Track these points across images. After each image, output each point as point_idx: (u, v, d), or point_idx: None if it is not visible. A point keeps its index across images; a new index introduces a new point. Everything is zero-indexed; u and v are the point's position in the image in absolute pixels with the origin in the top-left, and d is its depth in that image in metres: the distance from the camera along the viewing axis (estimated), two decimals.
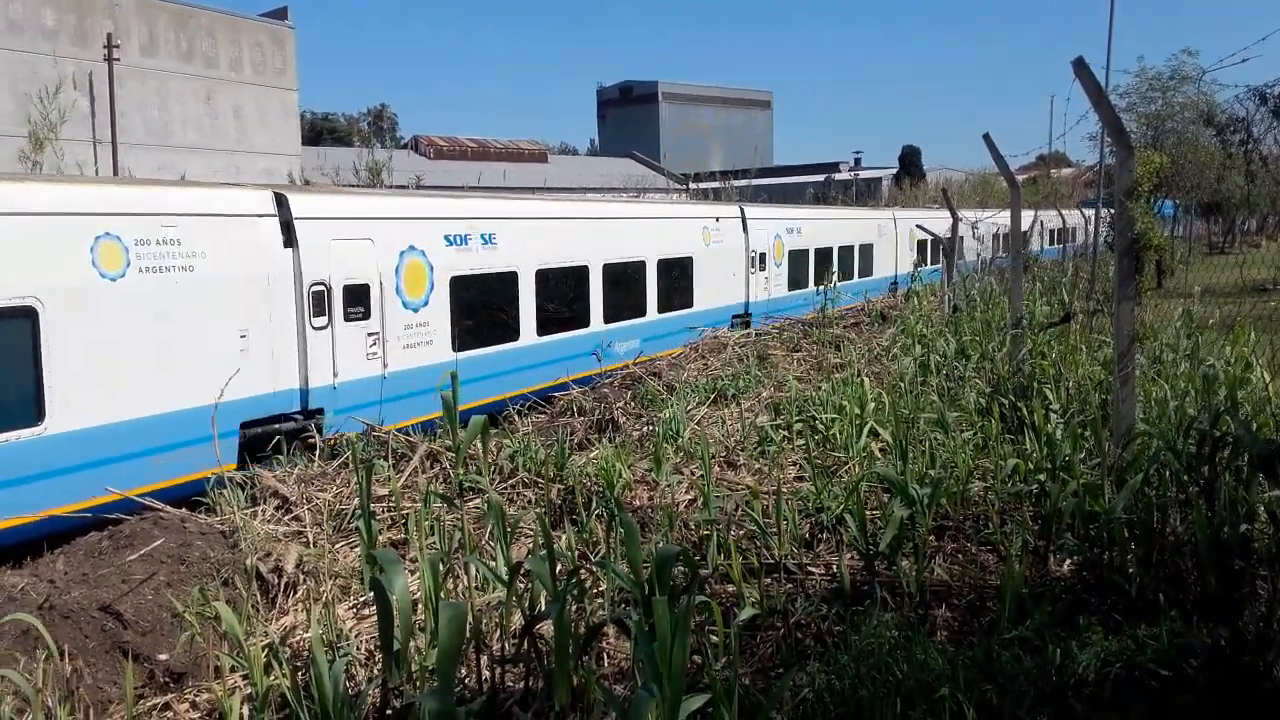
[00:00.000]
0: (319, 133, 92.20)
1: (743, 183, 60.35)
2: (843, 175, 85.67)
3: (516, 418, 11.74)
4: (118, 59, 39.07)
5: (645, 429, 10.74)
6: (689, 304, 19.54)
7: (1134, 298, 7.19)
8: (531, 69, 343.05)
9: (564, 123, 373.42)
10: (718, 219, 20.74)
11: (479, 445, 7.13)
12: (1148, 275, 21.37)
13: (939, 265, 28.40)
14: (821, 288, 21.71)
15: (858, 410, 9.69)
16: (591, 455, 9.28)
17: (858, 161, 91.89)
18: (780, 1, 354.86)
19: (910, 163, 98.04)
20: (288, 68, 48.36)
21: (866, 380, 10.85)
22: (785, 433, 9.98)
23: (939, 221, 33.84)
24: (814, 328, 18.68)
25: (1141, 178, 20.04)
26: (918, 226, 32.30)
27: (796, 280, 24.84)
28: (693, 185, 73.70)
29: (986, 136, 12.24)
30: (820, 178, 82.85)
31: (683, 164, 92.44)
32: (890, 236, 32.38)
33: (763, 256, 22.73)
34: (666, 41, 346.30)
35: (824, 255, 26.68)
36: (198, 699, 5.62)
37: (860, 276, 29.60)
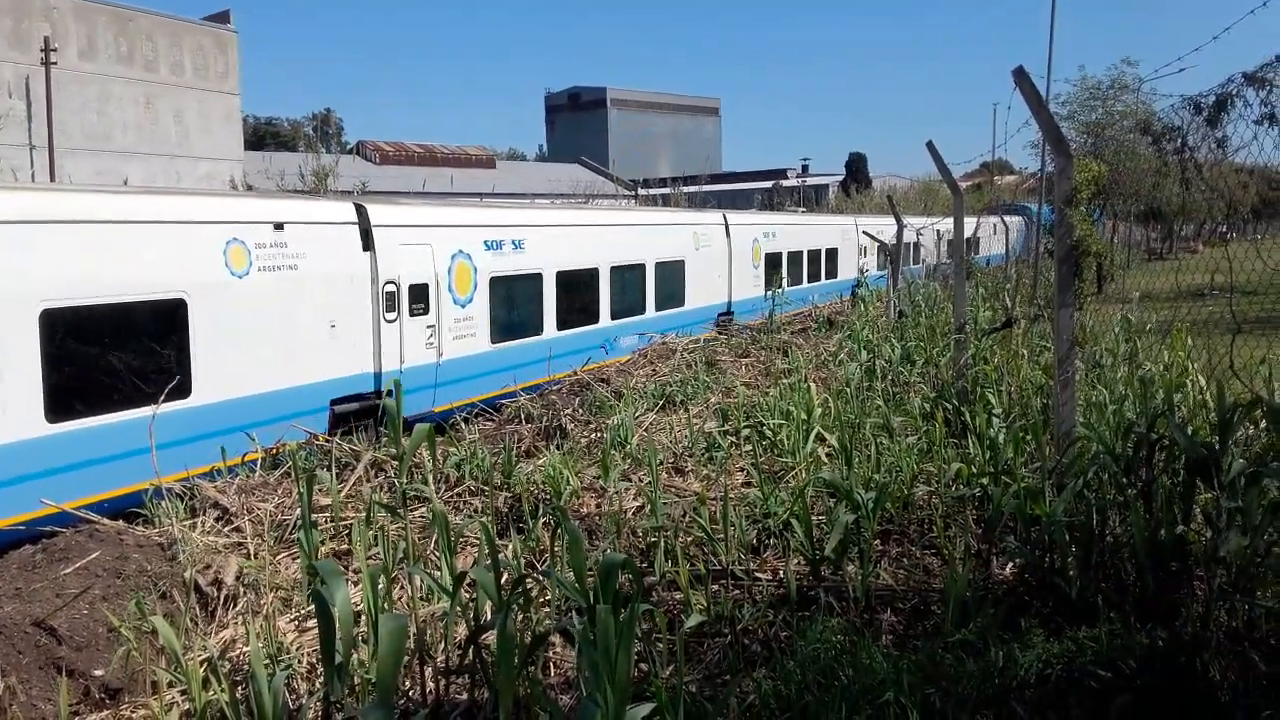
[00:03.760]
0: (262, 137, 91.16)
1: (693, 189, 60.63)
2: (790, 181, 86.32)
3: (463, 425, 11.66)
4: (55, 63, 38.31)
5: (593, 436, 10.71)
6: (180, 390, 10.32)
7: (1074, 303, 7.29)
8: (479, 75, 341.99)
9: (512, 129, 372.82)
10: (279, 226, 11.65)
11: (425, 454, 7.07)
12: (1088, 281, 21.76)
13: (816, 282, 24.81)
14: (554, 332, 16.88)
15: (804, 416, 9.74)
16: (539, 463, 9.24)
17: (805, 168, 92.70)
18: (728, 10, 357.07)
19: (857, 169, 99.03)
20: (230, 72, 47.75)
21: (813, 386, 10.92)
22: (733, 438, 10.01)
23: (827, 229, 30.66)
24: (762, 334, 18.77)
25: (1081, 185, 20.42)
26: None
27: (518, 323, 15.92)
28: (641, 191, 73.89)
29: (930, 144, 12.36)
30: (768, 184, 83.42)
31: (632, 170, 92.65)
32: (718, 249, 23.13)
33: (422, 290, 13.63)
34: (615, 48, 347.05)
35: (579, 282, 17.49)
36: (134, 715, 5.51)
37: (662, 309, 20.36)
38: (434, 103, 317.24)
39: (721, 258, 23.23)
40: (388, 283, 13.05)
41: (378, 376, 12.94)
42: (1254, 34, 7.28)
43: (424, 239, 13.85)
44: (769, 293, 21.11)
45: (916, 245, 35.08)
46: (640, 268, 19.64)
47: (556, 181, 67.72)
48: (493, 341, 15.06)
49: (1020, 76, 7.06)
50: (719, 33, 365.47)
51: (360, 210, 12.99)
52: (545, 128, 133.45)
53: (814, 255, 29.07)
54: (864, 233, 30.55)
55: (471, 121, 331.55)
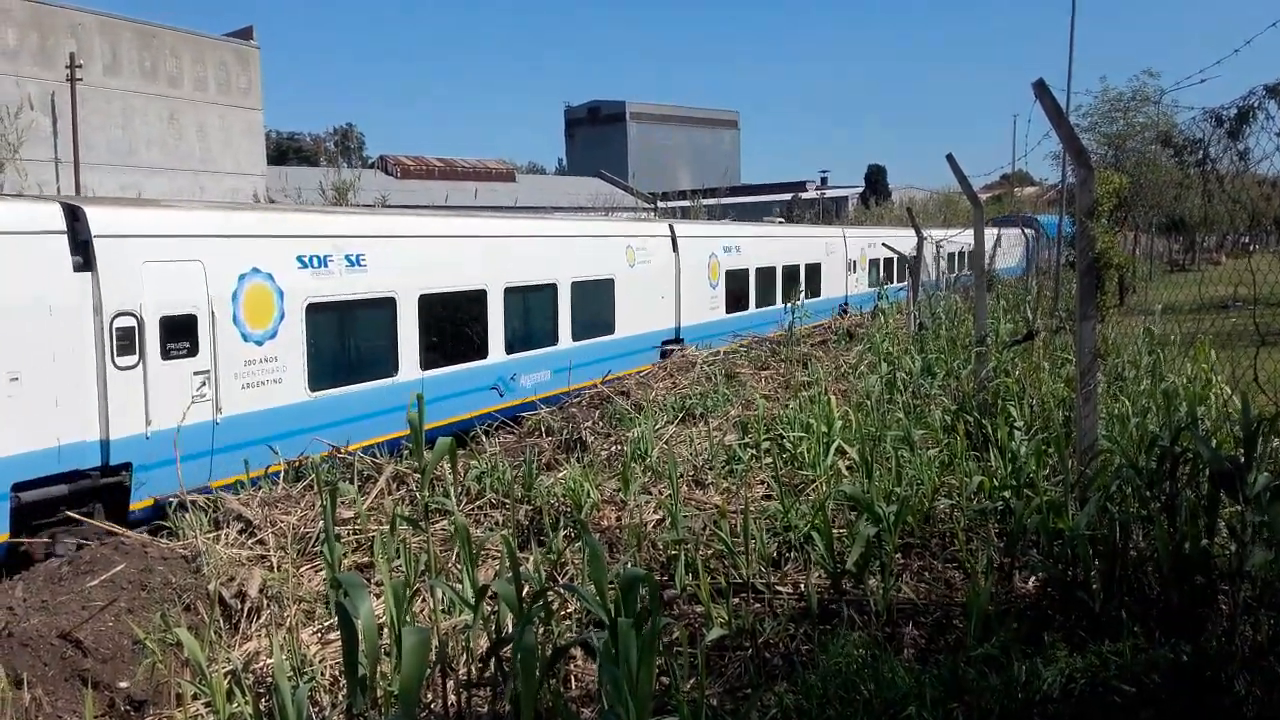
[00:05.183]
0: (284, 152, 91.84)
1: (711, 201, 60.71)
2: (809, 194, 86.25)
3: (484, 438, 11.69)
4: (80, 79, 38.75)
5: (613, 448, 10.73)
6: None
7: (1095, 315, 7.27)
8: (499, 89, 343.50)
9: (532, 142, 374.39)
10: None
11: (446, 467, 7.10)
12: (1110, 293, 21.64)
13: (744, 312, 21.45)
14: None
15: (825, 428, 9.72)
16: (559, 475, 9.25)
17: (824, 180, 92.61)
18: (747, 23, 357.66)
19: (876, 181, 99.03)
20: (252, 87, 48.17)
21: (833, 398, 10.90)
22: (753, 451, 10.00)
23: (807, 242, 27.92)
24: (782, 346, 18.72)
25: (1102, 197, 20.33)
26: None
27: (356, 364, 12.74)
28: (661, 204, 74.00)
29: (950, 157, 12.35)
30: (787, 196, 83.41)
31: (651, 183, 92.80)
32: (661, 265, 19.73)
33: (185, 324, 10.30)
34: (633, 62, 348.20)
35: (455, 309, 14.20)
36: None
37: (582, 338, 16.92)
38: (454, 117, 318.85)
39: (666, 276, 19.84)
40: (121, 314, 9.63)
41: (105, 445, 9.56)
42: (1276, 47, 7.27)
43: (189, 254, 10.35)
44: (788, 308, 19.69)
45: (886, 261, 32.62)
46: (550, 289, 16.14)
47: (576, 195, 67.92)
48: (313, 389, 11.68)
49: (1040, 89, 7.05)
50: (737, 46, 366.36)
51: (73, 214, 9.48)
52: (564, 141, 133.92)
53: (790, 272, 26.06)
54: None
55: (491, 135, 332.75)
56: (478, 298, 14.46)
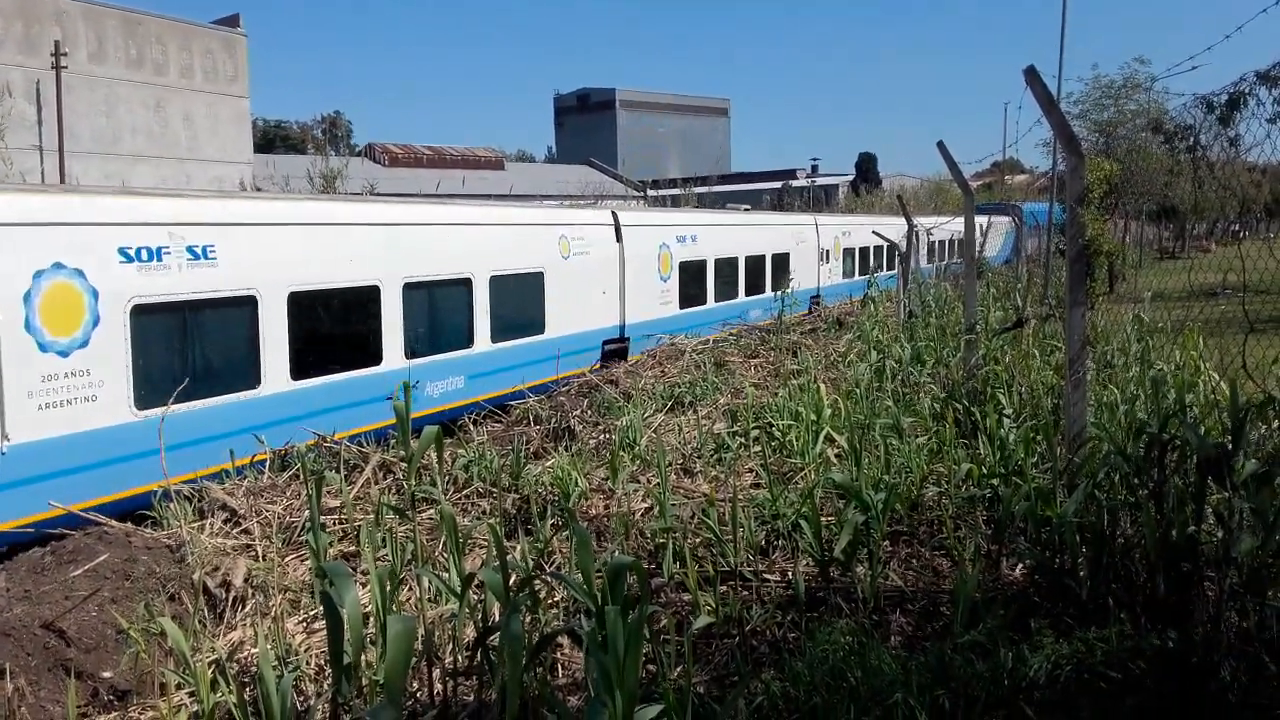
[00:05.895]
0: (271, 140, 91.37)
1: (702, 189, 60.59)
2: (800, 182, 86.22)
3: (472, 427, 11.65)
4: (65, 66, 38.48)
5: (602, 437, 10.70)
6: None
7: (1085, 303, 7.25)
8: (488, 76, 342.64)
9: (521, 130, 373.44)
10: None
11: (433, 455, 7.06)
12: (1099, 280, 21.66)
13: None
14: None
15: (814, 416, 9.71)
16: (547, 464, 9.23)
17: (814, 168, 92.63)
18: (739, 11, 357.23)
19: (867, 169, 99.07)
20: (239, 75, 47.88)
21: (823, 386, 10.88)
22: (742, 440, 9.99)
23: (774, 231, 26.38)
24: (771, 334, 18.70)
25: (1092, 185, 20.32)
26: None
27: (204, 375, 10.49)
28: (651, 192, 73.86)
29: (940, 144, 12.33)
30: (778, 184, 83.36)
31: (641, 171, 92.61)
32: (602, 257, 17.87)
33: None
34: (624, 49, 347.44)
35: (341, 307, 12.31)
36: (142, 717, 5.50)
37: (502, 339, 14.95)
38: (443, 105, 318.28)
39: (608, 268, 18.00)
40: None
41: None
42: (1266, 33, 7.25)
43: None
44: (756, 301, 18.99)
45: (863, 250, 31.33)
46: (463, 284, 14.18)
47: (565, 183, 67.78)
48: (140, 407, 9.66)
49: (1031, 76, 7.03)
50: (728, 33, 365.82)
51: None
52: (554, 129, 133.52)
53: (754, 263, 24.38)
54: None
55: (480, 123, 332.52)
56: (369, 295, 12.53)
